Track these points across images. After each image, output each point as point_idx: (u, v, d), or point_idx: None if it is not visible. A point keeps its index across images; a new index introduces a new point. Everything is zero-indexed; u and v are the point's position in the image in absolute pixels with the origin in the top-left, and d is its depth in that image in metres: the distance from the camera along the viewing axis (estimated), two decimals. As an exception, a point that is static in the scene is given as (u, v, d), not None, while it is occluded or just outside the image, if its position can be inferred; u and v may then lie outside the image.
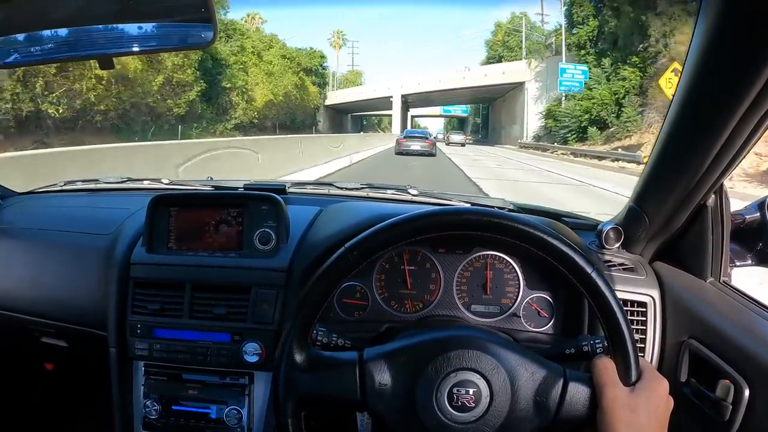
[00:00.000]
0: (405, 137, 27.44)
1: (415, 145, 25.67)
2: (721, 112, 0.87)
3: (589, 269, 0.78)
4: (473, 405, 0.78)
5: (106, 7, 1.02)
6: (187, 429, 1.29)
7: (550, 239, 0.80)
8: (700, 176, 1.02)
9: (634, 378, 0.77)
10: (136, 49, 1.06)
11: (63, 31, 1.02)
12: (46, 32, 1.02)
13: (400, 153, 25.28)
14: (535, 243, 0.81)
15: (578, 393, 0.79)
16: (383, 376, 0.81)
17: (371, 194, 1.72)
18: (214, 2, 0.99)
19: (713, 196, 1.11)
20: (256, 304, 1.24)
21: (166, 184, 1.79)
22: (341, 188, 1.76)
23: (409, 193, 1.70)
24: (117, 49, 1.03)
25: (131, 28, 1.01)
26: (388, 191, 1.74)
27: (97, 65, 1.06)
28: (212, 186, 1.72)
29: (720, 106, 0.87)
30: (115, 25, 1.01)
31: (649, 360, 1.16)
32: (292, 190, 1.68)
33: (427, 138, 26.97)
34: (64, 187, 1.83)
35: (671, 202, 1.12)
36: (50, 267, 1.45)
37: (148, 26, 1.01)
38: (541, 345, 1.16)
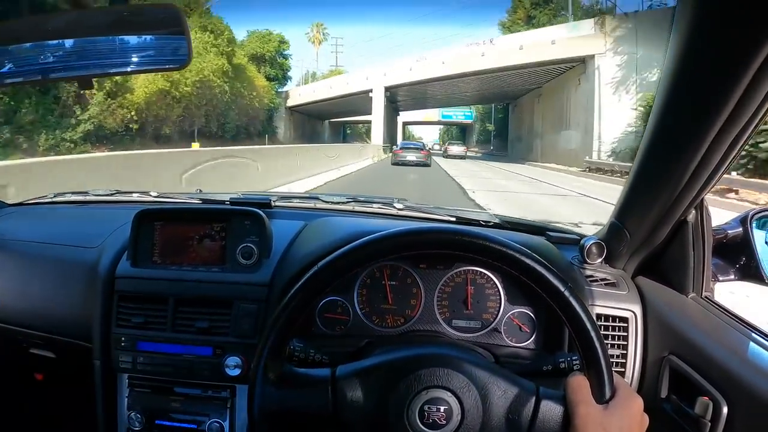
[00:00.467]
0: (401, 148, 28.59)
1: (411, 156, 26.75)
2: (697, 129, 0.87)
3: (561, 287, 0.79)
4: (444, 423, 0.79)
5: (83, 29, 1.02)
6: None
7: (522, 258, 0.80)
8: (679, 192, 1.02)
9: (607, 396, 0.77)
10: (113, 70, 1.07)
11: (39, 53, 1.03)
12: (21, 53, 1.03)
13: (396, 163, 26.23)
14: (508, 262, 0.81)
15: (551, 411, 0.79)
16: (355, 394, 0.82)
17: (357, 208, 1.73)
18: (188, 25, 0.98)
19: (694, 211, 1.10)
20: (237, 318, 1.25)
21: (154, 196, 1.80)
22: (327, 201, 1.76)
23: (394, 207, 1.70)
24: (94, 71, 1.04)
25: (107, 49, 1.02)
26: (374, 205, 1.74)
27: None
28: (200, 199, 1.73)
29: (696, 122, 0.87)
30: (92, 46, 1.02)
31: (630, 375, 1.16)
32: (277, 203, 1.69)
33: (422, 149, 28.23)
34: (54, 199, 1.84)
35: (652, 218, 1.12)
36: (37, 279, 1.46)
37: (124, 47, 1.02)
38: (522, 360, 1.16)
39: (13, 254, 1.51)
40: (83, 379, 1.37)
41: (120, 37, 1.02)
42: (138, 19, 1.01)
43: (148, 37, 1.02)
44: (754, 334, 1.00)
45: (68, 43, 1.02)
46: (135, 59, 1.02)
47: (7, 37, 1.03)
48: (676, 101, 0.90)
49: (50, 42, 1.03)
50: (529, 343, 1.24)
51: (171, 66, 1.02)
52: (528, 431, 0.79)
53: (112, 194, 1.86)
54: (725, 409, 0.89)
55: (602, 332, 1.14)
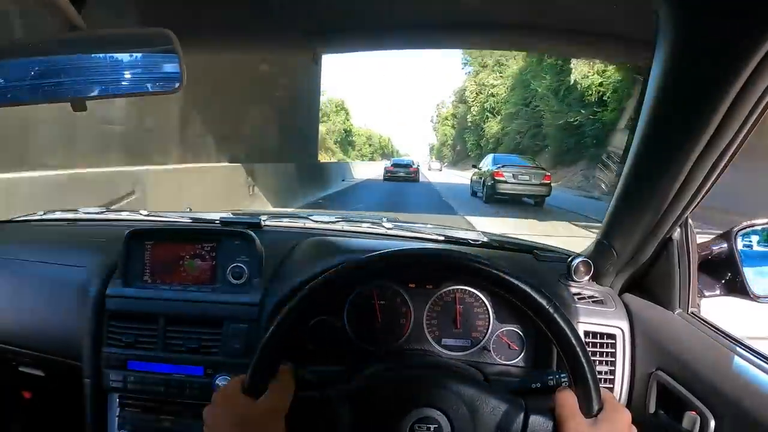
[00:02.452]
0: (393, 165, 31.38)
1: (401, 172, 29.64)
2: (681, 148, 0.90)
3: (545, 304, 0.79)
4: None
5: (74, 52, 1.02)
6: None
7: (505, 276, 0.80)
8: (664, 211, 1.03)
9: (595, 409, 0.78)
10: (105, 93, 1.07)
11: (32, 75, 1.03)
12: (15, 74, 1.03)
13: (388, 179, 28.79)
14: (492, 281, 0.82)
15: (539, 426, 0.80)
16: (347, 414, 0.82)
17: (346, 227, 1.74)
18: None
19: (679, 229, 1.12)
20: (228, 337, 1.26)
21: (144, 215, 1.80)
22: (317, 221, 1.77)
23: (383, 226, 1.72)
24: (87, 94, 1.04)
25: (100, 72, 1.02)
26: (363, 224, 1.76)
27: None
28: (190, 218, 1.73)
29: (680, 141, 0.89)
30: (85, 70, 1.02)
31: (619, 391, 1.17)
32: (267, 223, 1.70)
33: (411, 166, 30.94)
34: (44, 217, 1.84)
35: (637, 236, 1.14)
36: (28, 298, 1.46)
37: (117, 71, 1.02)
38: (511, 378, 1.17)
39: (2, 272, 1.50)
40: (72, 398, 1.37)
41: (114, 59, 1.02)
42: (132, 41, 1.01)
43: (142, 61, 1.02)
44: (739, 349, 1.01)
45: (62, 65, 1.02)
46: (128, 83, 1.02)
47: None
48: (660, 120, 0.92)
49: (43, 64, 1.03)
50: (518, 360, 1.25)
51: (165, 90, 1.03)
52: None
53: (101, 212, 1.86)
54: (712, 423, 0.91)
55: (590, 349, 1.15)
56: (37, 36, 1.06)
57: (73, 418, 1.39)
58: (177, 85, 1.01)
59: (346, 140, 78.14)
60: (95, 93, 1.08)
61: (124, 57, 1.02)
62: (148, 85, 1.03)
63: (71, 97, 1.06)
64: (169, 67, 1.01)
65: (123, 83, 1.03)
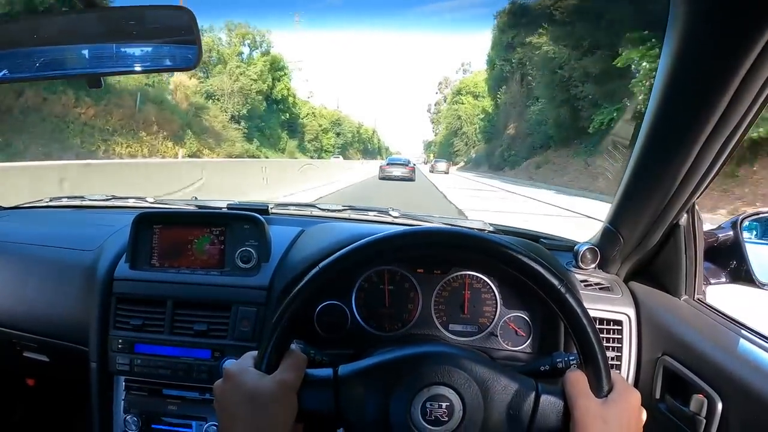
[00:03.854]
0: (388, 164, 29.50)
1: (397, 171, 27.86)
2: (688, 134, 0.91)
3: (557, 283, 0.79)
4: (447, 419, 0.80)
5: (94, 28, 1.04)
6: None
7: (518, 255, 0.81)
8: (671, 196, 1.05)
9: (605, 390, 0.78)
10: (123, 69, 1.08)
11: (52, 50, 1.04)
12: (36, 50, 1.04)
13: (383, 178, 27.15)
14: (504, 259, 0.82)
15: (551, 405, 0.80)
16: (358, 393, 0.82)
17: (353, 215, 1.75)
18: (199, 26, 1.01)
19: (685, 215, 1.13)
20: (236, 321, 1.26)
21: (150, 202, 1.81)
22: (323, 209, 1.78)
23: (390, 215, 1.73)
24: (105, 69, 1.06)
25: (120, 49, 1.03)
26: (370, 213, 1.77)
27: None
28: (196, 206, 1.74)
29: (686, 128, 0.91)
30: (103, 46, 1.03)
31: (625, 377, 1.17)
32: (274, 210, 1.71)
33: (407, 165, 29.06)
34: (50, 203, 1.85)
35: (644, 222, 1.15)
36: (34, 281, 1.46)
37: (136, 48, 1.03)
38: (518, 363, 1.17)
39: (9, 256, 1.51)
40: (76, 384, 1.37)
41: (131, 36, 1.03)
42: (150, 19, 1.02)
43: (160, 38, 1.03)
44: (744, 332, 1.02)
45: (79, 41, 1.04)
46: (146, 59, 1.03)
47: (20, 36, 1.04)
48: (667, 107, 0.93)
49: (61, 40, 1.04)
50: (526, 346, 1.26)
51: (181, 67, 1.04)
52: (529, 426, 0.79)
53: (108, 199, 1.87)
54: (720, 405, 0.91)
55: None
56: (56, 13, 1.07)
57: (77, 403, 1.39)
58: (194, 62, 1.03)
59: (276, 119, 49.21)
60: (112, 69, 1.09)
61: (142, 33, 1.04)
62: (166, 61, 1.04)
63: (88, 74, 1.07)
64: (187, 44, 1.03)
65: (140, 60, 1.05)
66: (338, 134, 74.35)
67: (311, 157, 50.23)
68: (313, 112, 67.04)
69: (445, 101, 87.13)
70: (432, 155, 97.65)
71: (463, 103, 73.21)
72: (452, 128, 76.60)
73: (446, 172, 45.33)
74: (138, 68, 1.06)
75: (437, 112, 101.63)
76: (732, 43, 0.75)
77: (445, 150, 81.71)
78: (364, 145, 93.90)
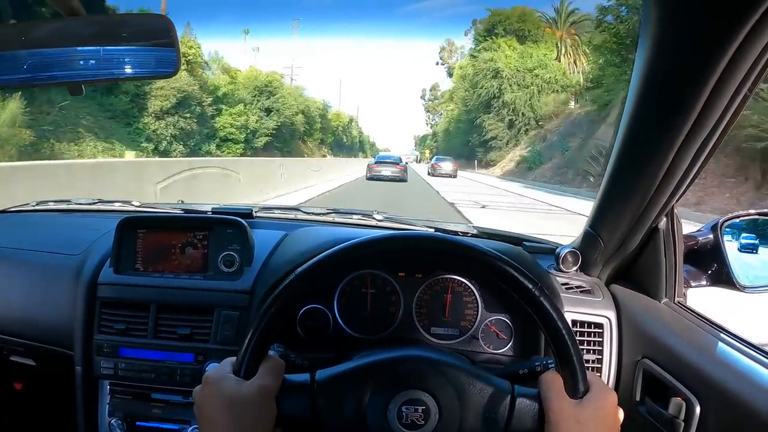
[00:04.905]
0: (376, 162, 26.36)
1: (386, 171, 24.94)
2: (664, 138, 0.91)
3: (531, 287, 0.80)
4: (423, 422, 0.80)
5: (75, 36, 1.04)
6: None
7: (492, 259, 0.82)
8: (649, 200, 1.05)
9: (581, 391, 0.79)
10: (104, 77, 1.09)
11: (32, 56, 1.04)
12: (14, 55, 1.04)
13: (371, 179, 24.55)
14: (479, 263, 0.83)
15: (526, 408, 0.80)
16: (335, 397, 0.83)
17: (337, 219, 1.76)
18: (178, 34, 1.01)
19: (665, 219, 1.14)
20: (219, 324, 1.26)
21: (137, 206, 1.81)
22: (307, 213, 1.79)
23: (374, 218, 1.74)
24: (85, 77, 1.06)
25: (100, 57, 1.03)
26: (354, 216, 1.78)
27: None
28: (182, 209, 1.74)
29: (662, 131, 0.91)
30: (84, 53, 1.03)
31: (606, 380, 1.18)
32: (259, 214, 1.72)
33: (398, 163, 26.21)
34: (36, 207, 1.85)
35: (624, 226, 1.15)
36: (19, 285, 1.46)
37: (116, 55, 1.03)
38: (499, 366, 1.18)
39: None
40: (63, 387, 1.37)
41: (111, 44, 1.03)
42: (129, 28, 1.03)
43: (138, 46, 1.03)
44: (723, 335, 1.03)
45: (60, 50, 1.04)
46: (125, 67, 1.03)
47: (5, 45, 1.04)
48: (642, 110, 0.93)
49: (41, 49, 1.04)
50: (507, 350, 1.26)
51: (160, 74, 1.04)
52: (505, 428, 0.80)
53: (94, 203, 1.87)
54: (698, 409, 0.92)
55: (578, 338, 1.16)
56: (36, 21, 1.07)
57: (64, 407, 1.39)
58: (173, 70, 1.03)
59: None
60: (93, 78, 1.09)
61: (122, 42, 1.04)
62: (145, 70, 1.04)
63: (68, 82, 1.08)
64: (166, 53, 1.03)
65: (120, 68, 1.05)
66: (270, 111, 37.96)
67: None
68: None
69: (450, 75, 64.87)
70: (428, 152, 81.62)
71: (498, 49, 43.67)
72: (477, 101, 44.33)
73: (453, 176, 33.35)
74: (119, 75, 1.07)
75: (433, 98, 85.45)
76: (706, 44, 0.75)
77: (456, 142, 55.80)
78: (335, 137, 65.90)
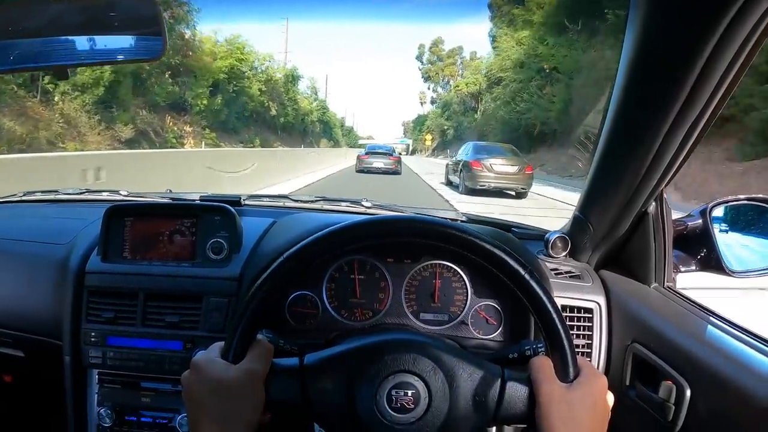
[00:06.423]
0: (367, 153, 24.06)
1: (378, 162, 22.76)
2: (653, 121, 0.91)
3: (521, 270, 0.80)
4: (412, 406, 0.80)
5: (61, 20, 1.03)
6: None
7: (482, 243, 0.81)
8: (638, 184, 1.05)
9: (571, 375, 0.78)
10: (89, 60, 1.08)
11: (17, 42, 1.03)
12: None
13: (361, 170, 22.64)
14: (469, 247, 0.82)
15: (517, 391, 0.80)
16: (324, 382, 0.82)
17: (325, 206, 1.76)
18: (164, 17, 1.00)
19: (654, 203, 1.14)
20: (208, 312, 1.26)
21: (124, 195, 1.80)
22: (296, 200, 1.79)
23: (362, 205, 1.74)
24: (71, 60, 1.05)
25: (86, 41, 1.03)
26: (342, 204, 1.78)
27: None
28: (170, 198, 1.74)
29: (651, 115, 0.91)
30: (70, 37, 1.02)
31: (596, 364, 1.18)
32: (247, 202, 1.71)
33: (390, 155, 23.90)
34: (23, 198, 1.84)
35: (613, 211, 1.15)
36: (7, 276, 1.45)
37: (102, 39, 1.03)
38: (488, 351, 1.18)
39: None
40: (52, 378, 1.36)
41: (97, 28, 1.02)
42: (115, 10, 1.02)
43: (125, 29, 1.02)
44: (713, 319, 1.03)
45: (45, 33, 1.03)
46: (112, 50, 1.03)
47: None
48: (632, 94, 0.94)
49: (26, 33, 1.03)
50: (496, 335, 1.26)
51: (146, 57, 1.04)
52: (495, 412, 0.80)
53: (81, 193, 1.87)
54: (688, 392, 0.92)
55: (567, 323, 1.17)
56: (21, 5, 1.06)
57: (54, 398, 1.38)
58: (159, 52, 1.02)
59: None
60: (78, 61, 1.08)
61: (108, 25, 1.03)
62: (132, 53, 1.04)
63: (54, 65, 1.07)
64: (152, 35, 1.02)
65: (106, 51, 1.04)
66: (215, 87, 30.25)
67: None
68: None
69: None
70: (430, 138, 60.70)
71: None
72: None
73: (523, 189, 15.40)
74: (105, 59, 1.06)
75: (436, 59, 62.01)
76: (695, 27, 0.75)
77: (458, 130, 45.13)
78: (303, 125, 51.28)
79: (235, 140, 33.24)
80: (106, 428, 1.31)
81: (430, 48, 68.22)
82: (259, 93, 37.84)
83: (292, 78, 48.95)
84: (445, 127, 60.07)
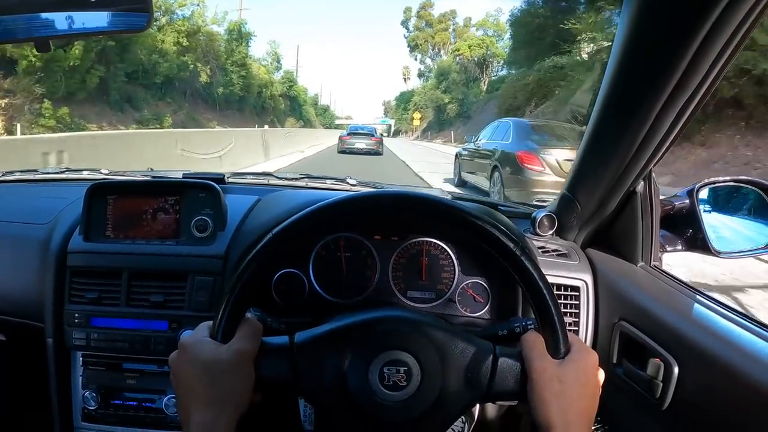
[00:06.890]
0: (349, 134, 24.31)
1: (360, 143, 23.17)
2: (644, 101, 0.92)
3: (512, 245, 0.79)
4: (405, 383, 0.79)
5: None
6: (126, 418, 1.29)
7: (473, 218, 0.80)
8: (627, 163, 1.05)
9: (562, 351, 0.78)
10: (72, 32, 1.05)
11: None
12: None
13: (343, 152, 23.03)
14: (460, 223, 0.81)
15: (508, 367, 0.80)
16: (315, 359, 0.81)
17: (310, 184, 1.75)
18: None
19: (642, 182, 1.15)
20: (193, 291, 1.24)
21: (105, 174, 1.77)
22: (280, 178, 1.78)
23: (347, 183, 1.74)
24: (53, 32, 1.02)
25: (69, 12, 1.00)
26: (327, 181, 1.77)
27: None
28: (152, 176, 1.71)
29: (642, 94, 0.92)
30: (51, 8, 1.00)
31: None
32: (231, 179, 1.70)
33: (372, 135, 24.17)
34: (2, 178, 1.80)
35: (601, 189, 1.16)
36: None
37: (85, 10, 1.00)
38: (476, 329, 1.18)
39: None
40: (36, 363, 1.34)
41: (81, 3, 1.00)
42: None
43: (108, 4, 1.00)
44: (699, 297, 1.04)
45: (24, 3, 1.00)
46: (95, 21, 1.00)
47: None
48: (624, 72, 0.94)
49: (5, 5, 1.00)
50: (484, 313, 1.27)
51: (132, 28, 1.01)
52: (487, 388, 0.80)
53: (61, 172, 1.83)
54: (676, 369, 0.93)
55: None
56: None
57: (37, 382, 1.36)
58: (145, 22, 1.00)
59: None
60: (60, 32, 1.05)
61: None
62: (116, 23, 1.01)
63: (35, 37, 1.04)
64: (137, 4, 0.99)
65: (89, 21, 1.01)
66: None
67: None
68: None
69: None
70: (418, 117, 53.00)
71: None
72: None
73: None
74: (88, 30, 1.03)
75: (425, 24, 54.71)
76: (689, 7, 0.75)
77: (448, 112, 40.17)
78: (261, 100, 42.82)
79: (129, 119, 23.47)
80: (91, 410, 1.29)
81: (418, 12, 59.69)
82: (177, 50, 27.62)
83: (239, 35, 36.78)
84: (445, 101, 49.54)
